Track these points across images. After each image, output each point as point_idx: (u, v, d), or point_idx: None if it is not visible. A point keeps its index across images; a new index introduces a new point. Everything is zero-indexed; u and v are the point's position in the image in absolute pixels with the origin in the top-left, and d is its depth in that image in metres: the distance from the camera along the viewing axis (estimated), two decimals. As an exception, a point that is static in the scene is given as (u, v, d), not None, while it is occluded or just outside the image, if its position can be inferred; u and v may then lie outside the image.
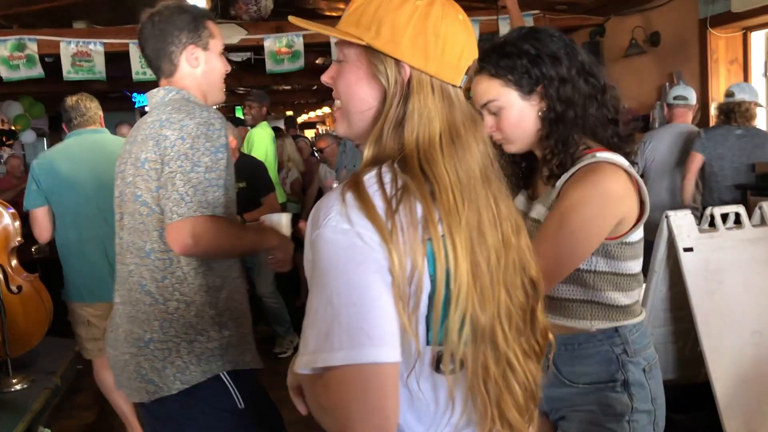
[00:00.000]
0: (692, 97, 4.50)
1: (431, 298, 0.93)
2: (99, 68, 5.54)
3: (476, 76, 1.55)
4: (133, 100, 11.81)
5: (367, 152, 1.02)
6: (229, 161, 1.80)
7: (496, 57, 1.50)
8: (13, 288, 4.66)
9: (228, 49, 6.77)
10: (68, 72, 5.49)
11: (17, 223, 4.61)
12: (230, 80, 9.06)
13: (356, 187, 0.95)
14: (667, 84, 5.30)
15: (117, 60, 5.73)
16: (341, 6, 6.81)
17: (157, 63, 1.92)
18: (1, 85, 6.79)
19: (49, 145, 11.54)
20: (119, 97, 11.55)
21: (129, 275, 1.84)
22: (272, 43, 5.80)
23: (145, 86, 10.86)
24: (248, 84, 10.18)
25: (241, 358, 1.85)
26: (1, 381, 4.43)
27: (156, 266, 1.79)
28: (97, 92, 9.83)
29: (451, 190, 0.95)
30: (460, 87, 1.03)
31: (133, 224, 1.82)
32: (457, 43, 1.01)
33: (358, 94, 1.05)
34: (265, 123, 5.55)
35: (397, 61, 1.00)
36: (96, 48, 5.51)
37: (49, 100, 10.18)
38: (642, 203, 1.50)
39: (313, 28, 1.08)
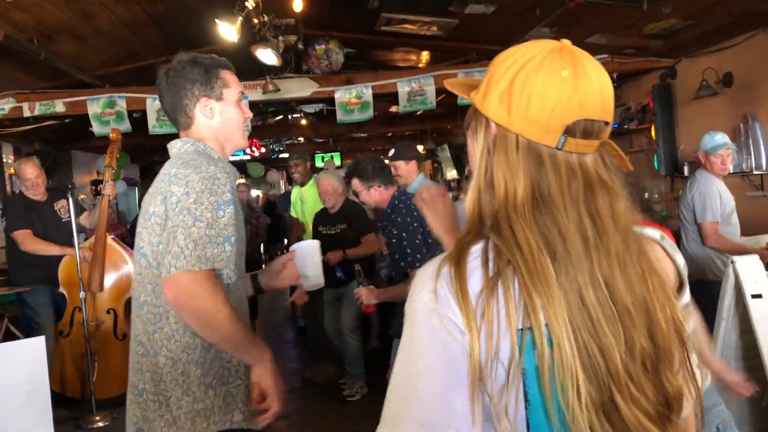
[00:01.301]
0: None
1: (534, 389, 0.86)
2: (182, 122, 5.88)
3: None
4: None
5: (468, 208, 0.99)
6: (237, 214, 1.79)
7: None
8: (119, 335, 4.99)
9: (301, 101, 7.09)
10: (153, 126, 5.88)
11: None
12: (307, 130, 9.47)
13: (457, 260, 0.91)
14: (741, 125, 5.16)
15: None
16: (412, 57, 7.03)
17: (174, 116, 1.95)
18: (94, 139, 7.35)
19: (141, 194, 12.24)
20: (205, 148, 12.15)
21: (132, 323, 1.89)
22: (342, 95, 6.02)
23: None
24: (324, 133, 10.54)
25: (228, 418, 1.81)
26: (85, 417, 4.69)
27: (148, 319, 1.80)
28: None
29: (538, 256, 0.88)
30: (557, 148, 0.93)
31: (135, 275, 1.87)
32: (547, 99, 0.91)
33: (470, 150, 1.04)
34: (312, 180, 5.75)
35: (487, 118, 0.97)
36: (179, 103, 5.86)
37: (137, 152, 10.83)
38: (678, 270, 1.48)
39: (455, 91, 1.08)
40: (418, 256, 3.42)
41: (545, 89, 0.92)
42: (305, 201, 5.68)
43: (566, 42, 0.97)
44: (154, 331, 1.79)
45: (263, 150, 12.66)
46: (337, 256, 4.99)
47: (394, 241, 3.52)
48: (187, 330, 1.76)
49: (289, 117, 9.42)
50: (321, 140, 12.21)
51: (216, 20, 4.00)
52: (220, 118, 1.93)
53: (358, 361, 5.22)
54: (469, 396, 0.85)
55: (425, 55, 6.99)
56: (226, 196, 1.73)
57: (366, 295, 3.53)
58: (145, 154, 11.70)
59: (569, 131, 0.92)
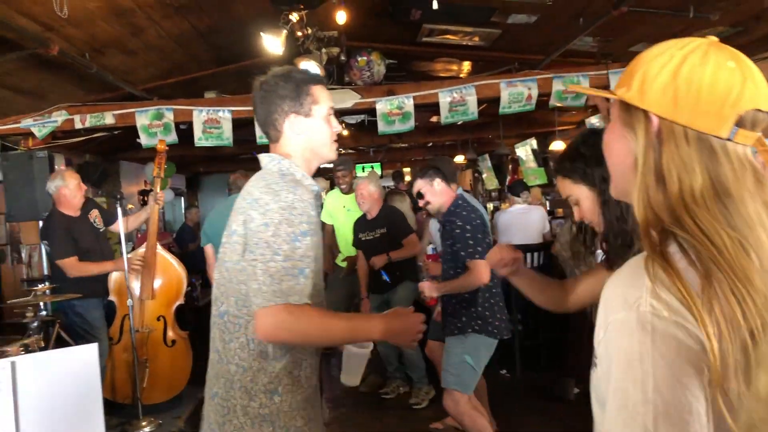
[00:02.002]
0: None
1: None
2: (227, 134, 6.00)
3: (557, 177, 1.93)
4: (261, 160, 12.57)
5: (637, 210, 0.97)
6: (315, 242, 1.84)
7: (567, 162, 1.89)
8: (168, 342, 5.10)
9: (343, 112, 7.14)
10: (199, 138, 5.99)
11: (186, 286, 5.19)
12: (348, 140, 9.51)
13: (666, 261, 0.88)
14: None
15: (244, 125, 6.17)
16: (453, 68, 7.03)
17: (265, 129, 1.99)
18: (141, 150, 7.52)
19: (186, 204, 12.49)
20: (250, 158, 12.36)
21: (211, 330, 1.95)
22: (384, 106, 6.05)
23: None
24: (365, 143, 10.60)
25: (292, 423, 1.87)
26: (132, 422, 4.78)
27: (226, 328, 1.87)
28: (229, 155, 10.67)
29: (736, 251, 0.86)
30: (729, 139, 0.92)
31: (218, 285, 1.94)
32: (718, 89, 0.91)
33: (614, 149, 1.04)
34: None
35: (645, 112, 0.96)
36: (224, 115, 5.99)
37: (183, 163, 11.05)
38: None
39: (586, 92, 1.21)
40: (479, 248, 3.56)
41: (716, 79, 0.92)
42: (351, 209, 5.69)
43: (714, 38, 0.98)
44: (230, 340, 1.86)
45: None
46: (382, 259, 5.06)
47: (458, 231, 3.64)
48: (261, 341, 1.83)
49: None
50: (361, 149, 12.27)
51: (261, 34, 4.08)
52: (307, 134, 1.96)
53: (417, 365, 5.23)
54: (707, 401, 0.83)
55: (466, 65, 6.99)
56: (303, 226, 1.77)
57: (429, 288, 3.68)
58: (191, 165, 11.93)
59: (740, 122, 0.92)
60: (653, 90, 0.95)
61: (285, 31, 4.00)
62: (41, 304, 4.33)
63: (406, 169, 15.19)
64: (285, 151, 1.97)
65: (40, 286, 4.38)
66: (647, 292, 0.86)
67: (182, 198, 12.68)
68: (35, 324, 4.13)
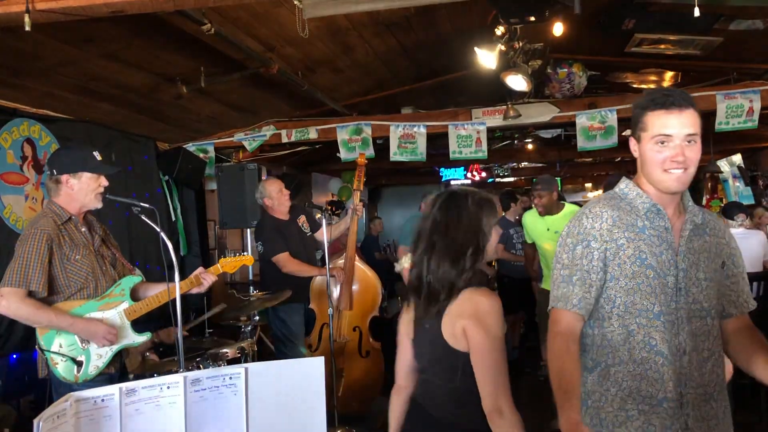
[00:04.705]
0: None
1: None
2: (421, 149, 6.05)
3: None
4: (440, 174, 12.68)
5: None
6: (588, 252, 1.96)
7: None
8: (363, 352, 5.22)
9: (538, 126, 6.96)
10: (394, 153, 6.10)
11: (380, 299, 5.30)
12: (535, 155, 9.25)
13: None
14: None
15: (430, 139, 6.20)
16: (652, 78, 6.59)
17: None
18: (331, 163, 7.79)
19: (369, 215, 12.84)
20: (428, 172, 12.50)
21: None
22: (585, 120, 5.79)
23: (458, 163, 11.55)
24: (551, 158, 10.28)
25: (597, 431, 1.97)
26: (328, 430, 4.90)
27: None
28: (410, 168, 10.84)
29: None
30: None
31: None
32: None
33: None
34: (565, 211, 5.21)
35: None
36: (419, 130, 6.04)
37: (369, 177, 11.36)
38: None
39: None
40: None
41: None
42: (556, 231, 5.20)
43: None
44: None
45: (483, 174, 12.70)
46: None
47: None
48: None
49: (515, 142, 9.32)
50: (542, 165, 11.93)
51: (475, 49, 4.03)
52: (639, 159, 1.96)
53: None
54: None
55: (668, 77, 6.51)
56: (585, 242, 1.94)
57: None
58: (374, 178, 12.26)
59: None
60: None
61: (500, 46, 3.93)
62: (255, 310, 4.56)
63: (588, 185, 14.59)
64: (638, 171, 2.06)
65: (254, 292, 4.63)
66: None
67: (364, 210, 13.04)
68: (249, 328, 4.35)
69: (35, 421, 1.71)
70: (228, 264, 3.47)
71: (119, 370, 3.13)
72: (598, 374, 1.94)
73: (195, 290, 3.28)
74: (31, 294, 2.83)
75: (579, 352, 1.93)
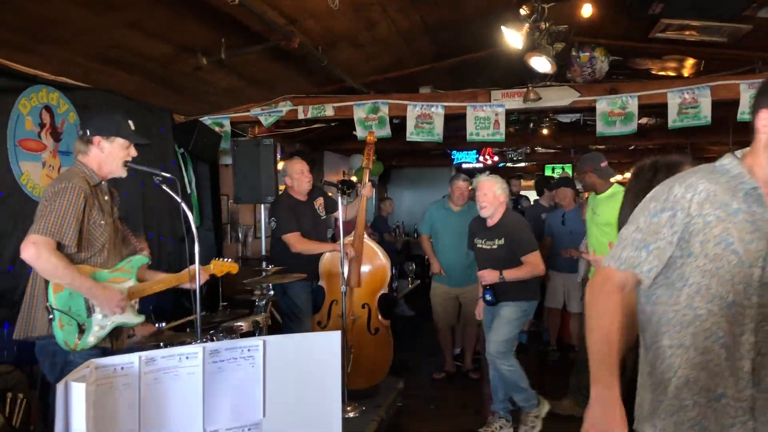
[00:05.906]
0: None
1: None
2: (438, 130, 6.00)
3: None
4: (452, 156, 12.61)
5: None
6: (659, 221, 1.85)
7: None
8: (372, 329, 5.22)
9: (557, 110, 6.89)
10: (411, 133, 6.04)
11: (389, 276, 5.29)
12: (549, 140, 9.17)
13: None
14: None
15: (446, 120, 6.14)
16: (672, 65, 6.48)
17: None
18: (344, 142, 7.71)
19: (380, 196, 12.81)
20: (440, 154, 12.42)
21: (696, 319, 1.79)
22: (605, 105, 5.72)
23: (471, 145, 11.48)
24: (566, 144, 10.19)
25: None
26: (339, 406, 4.91)
27: (736, 320, 1.74)
28: (423, 149, 10.77)
29: None
30: None
31: (711, 268, 1.76)
32: None
33: None
34: (611, 191, 4.81)
35: None
36: (437, 110, 5.98)
37: (380, 157, 11.31)
38: None
39: None
40: None
41: None
42: (599, 213, 4.79)
43: None
44: (741, 333, 1.75)
45: (495, 158, 12.62)
46: (494, 276, 4.48)
47: None
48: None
49: (530, 126, 9.23)
50: (554, 150, 11.83)
51: (502, 28, 3.97)
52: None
53: (517, 387, 4.57)
54: None
55: (689, 64, 6.41)
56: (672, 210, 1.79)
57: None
58: (385, 159, 12.20)
59: None
60: None
61: (527, 25, 3.86)
62: (269, 284, 4.56)
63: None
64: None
65: (269, 267, 4.62)
66: None
67: (374, 190, 13.00)
68: (263, 302, 4.35)
69: (58, 386, 1.71)
70: (218, 267, 3.50)
71: (113, 346, 3.09)
72: (653, 355, 1.84)
73: (186, 285, 3.24)
74: (59, 247, 2.81)
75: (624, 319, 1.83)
